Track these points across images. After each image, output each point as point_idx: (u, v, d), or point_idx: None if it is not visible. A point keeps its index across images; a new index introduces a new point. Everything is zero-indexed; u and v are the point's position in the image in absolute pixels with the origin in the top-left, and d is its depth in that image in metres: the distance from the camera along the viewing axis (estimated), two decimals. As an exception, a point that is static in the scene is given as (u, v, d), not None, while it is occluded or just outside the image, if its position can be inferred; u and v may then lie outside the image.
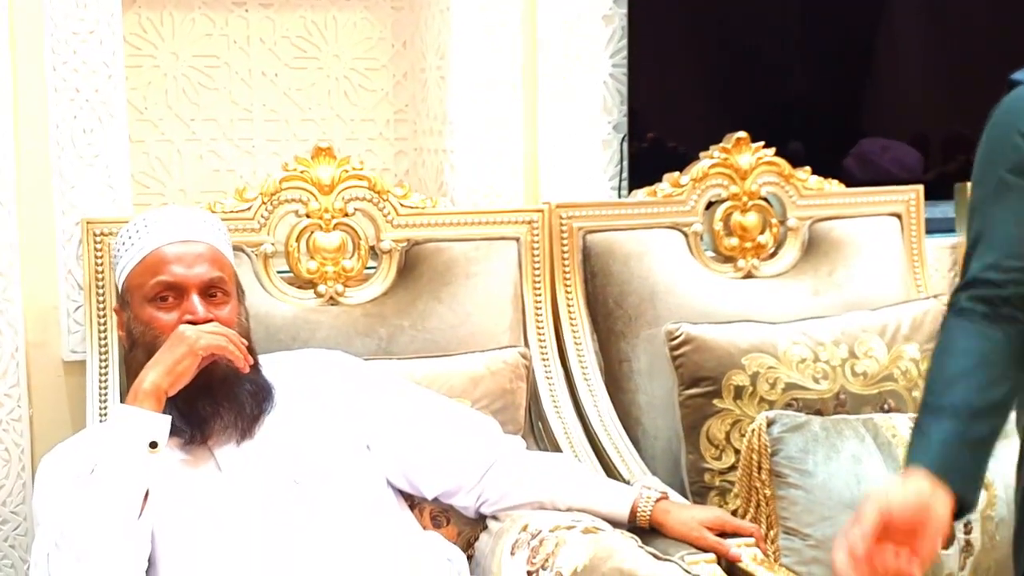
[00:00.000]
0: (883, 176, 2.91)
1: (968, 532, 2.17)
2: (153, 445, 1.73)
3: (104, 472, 1.72)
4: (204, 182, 2.78)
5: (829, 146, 2.92)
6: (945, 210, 2.93)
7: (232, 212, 2.29)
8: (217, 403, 1.85)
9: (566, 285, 2.50)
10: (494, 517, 2.04)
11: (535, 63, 2.69)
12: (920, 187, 2.79)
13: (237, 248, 2.24)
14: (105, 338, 2.26)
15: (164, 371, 1.78)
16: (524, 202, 2.66)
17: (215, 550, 1.78)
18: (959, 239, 2.88)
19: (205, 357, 1.80)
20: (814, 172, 2.69)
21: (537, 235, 2.48)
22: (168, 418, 1.76)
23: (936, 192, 2.87)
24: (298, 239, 2.34)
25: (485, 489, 2.03)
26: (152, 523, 1.76)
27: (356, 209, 2.37)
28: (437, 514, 2.08)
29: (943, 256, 2.90)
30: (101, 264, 2.26)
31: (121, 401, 1.95)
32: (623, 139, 2.75)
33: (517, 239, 2.46)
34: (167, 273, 1.87)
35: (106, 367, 2.25)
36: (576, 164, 2.72)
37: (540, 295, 2.48)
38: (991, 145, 1.55)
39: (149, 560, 1.77)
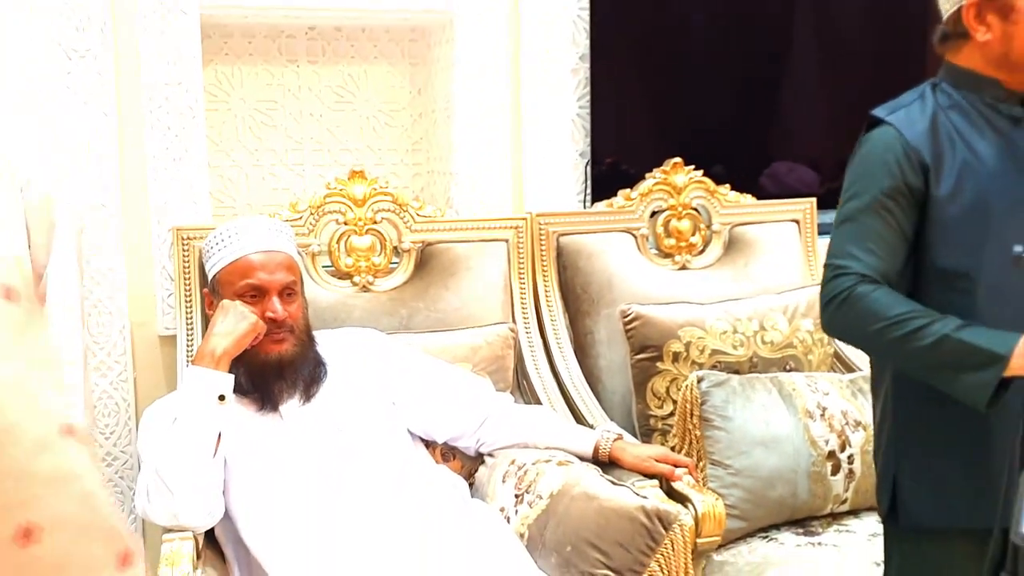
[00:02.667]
0: (789, 191, 2.91)
1: (851, 463, 2.17)
2: (221, 398, 1.73)
3: (184, 421, 1.72)
4: (265, 198, 2.78)
5: (747, 168, 2.92)
6: (834, 217, 2.92)
7: (287, 221, 2.28)
8: (284, 378, 1.86)
9: (544, 276, 2.50)
10: (490, 455, 2.05)
11: (519, 105, 2.68)
12: (814, 199, 2.79)
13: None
14: (191, 318, 2.26)
15: (234, 341, 1.78)
16: (511, 212, 2.66)
17: (278, 482, 1.78)
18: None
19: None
20: (734, 188, 2.70)
21: (522, 237, 2.47)
22: (232, 377, 1.76)
23: (827, 203, 2.83)
24: (338, 241, 2.34)
25: (482, 435, 2.04)
26: (224, 459, 1.76)
27: (383, 218, 2.37)
28: (446, 452, 2.09)
29: (832, 252, 2.90)
30: (188, 261, 2.26)
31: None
32: (587, 163, 2.75)
33: (506, 241, 2.46)
34: (254, 277, 1.86)
35: (192, 340, 2.24)
36: (551, 183, 2.72)
37: (524, 283, 2.47)
38: (871, 167, 1.50)
39: (225, 490, 1.78)
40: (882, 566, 1.67)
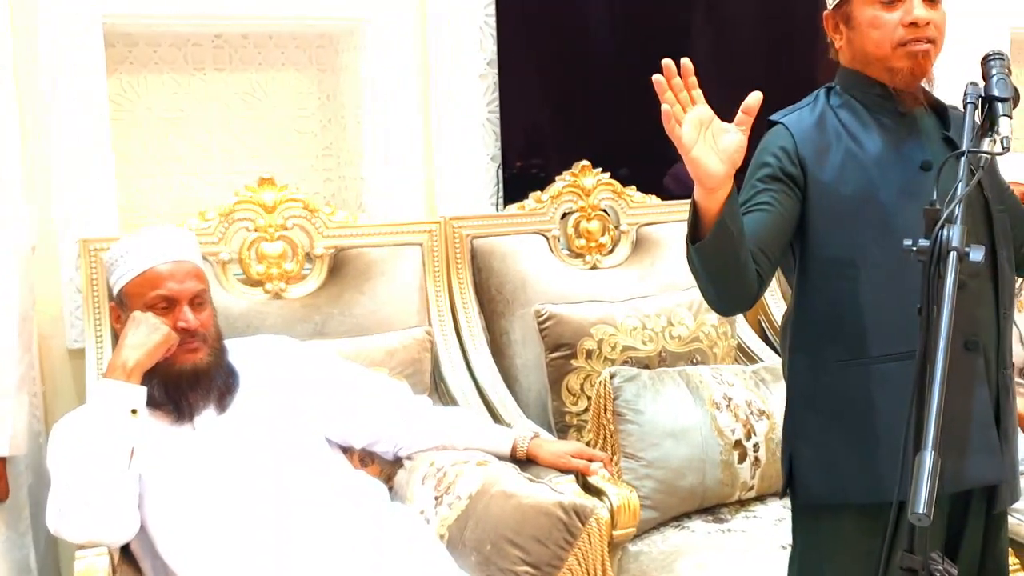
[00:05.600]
0: (691, 191, 2.94)
1: (756, 451, 2.21)
2: (133, 411, 1.70)
3: (96, 435, 1.68)
4: (175, 207, 2.70)
5: (651, 169, 2.95)
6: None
7: (196, 229, 2.24)
8: (199, 388, 1.81)
9: (459, 278, 2.49)
10: (408, 458, 2.03)
11: (428, 110, 2.67)
12: (715, 198, 2.83)
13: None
14: (100, 331, 2.20)
15: (146, 353, 1.74)
16: (425, 216, 2.64)
17: (194, 495, 1.74)
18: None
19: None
20: (640, 190, 2.72)
21: (436, 241, 2.46)
22: (144, 389, 1.72)
23: (727, 201, 2.90)
24: (249, 248, 2.30)
25: (400, 439, 2.02)
26: (139, 472, 1.72)
27: (294, 224, 2.34)
28: (363, 457, 2.07)
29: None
30: (96, 273, 2.20)
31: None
32: (498, 167, 2.75)
33: (420, 244, 2.45)
34: (164, 288, 1.81)
35: (102, 353, 2.18)
36: (463, 186, 2.71)
37: (439, 286, 2.46)
38: (756, 159, 1.57)
39: (141, 503, 1.73)
40: (788, 549, 1.72)
